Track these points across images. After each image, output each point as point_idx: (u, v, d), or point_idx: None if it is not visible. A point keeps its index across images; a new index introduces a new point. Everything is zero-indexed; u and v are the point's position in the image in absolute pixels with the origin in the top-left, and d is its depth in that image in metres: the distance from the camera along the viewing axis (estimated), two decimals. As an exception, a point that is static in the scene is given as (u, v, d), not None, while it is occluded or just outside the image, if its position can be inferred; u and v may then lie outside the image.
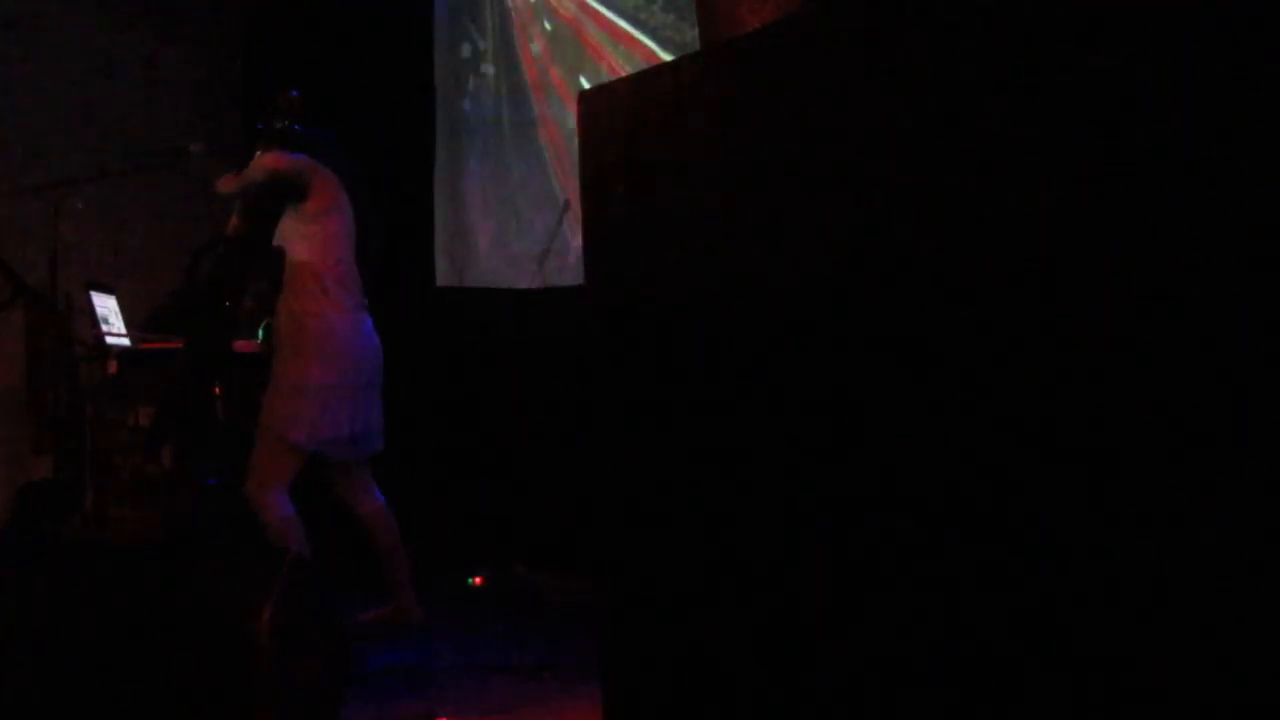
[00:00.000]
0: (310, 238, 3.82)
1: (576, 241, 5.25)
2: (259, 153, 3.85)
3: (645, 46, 5.39)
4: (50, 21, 5.88)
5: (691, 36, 5.18)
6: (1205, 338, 1.07)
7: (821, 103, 1.42)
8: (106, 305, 4.96)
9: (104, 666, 2.54)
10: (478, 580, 4.97)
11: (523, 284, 5.49)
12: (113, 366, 4.75)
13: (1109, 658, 1.13)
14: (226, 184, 3.87)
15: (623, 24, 5.47)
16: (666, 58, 5.18)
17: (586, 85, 5.40)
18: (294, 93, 3.89)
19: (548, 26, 5.79)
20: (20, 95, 5.73)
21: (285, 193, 3.82)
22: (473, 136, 6.02)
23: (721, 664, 1.52)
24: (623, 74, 5.19)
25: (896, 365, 1.32)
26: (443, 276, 5.97)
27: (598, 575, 1.79)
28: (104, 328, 4.82)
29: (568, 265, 5.37)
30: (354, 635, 3.78)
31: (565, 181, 5.57)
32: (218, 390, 4.14)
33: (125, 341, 4.94)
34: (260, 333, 4.41)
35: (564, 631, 4.04)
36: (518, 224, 5.80)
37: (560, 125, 5.65)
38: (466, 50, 6.05)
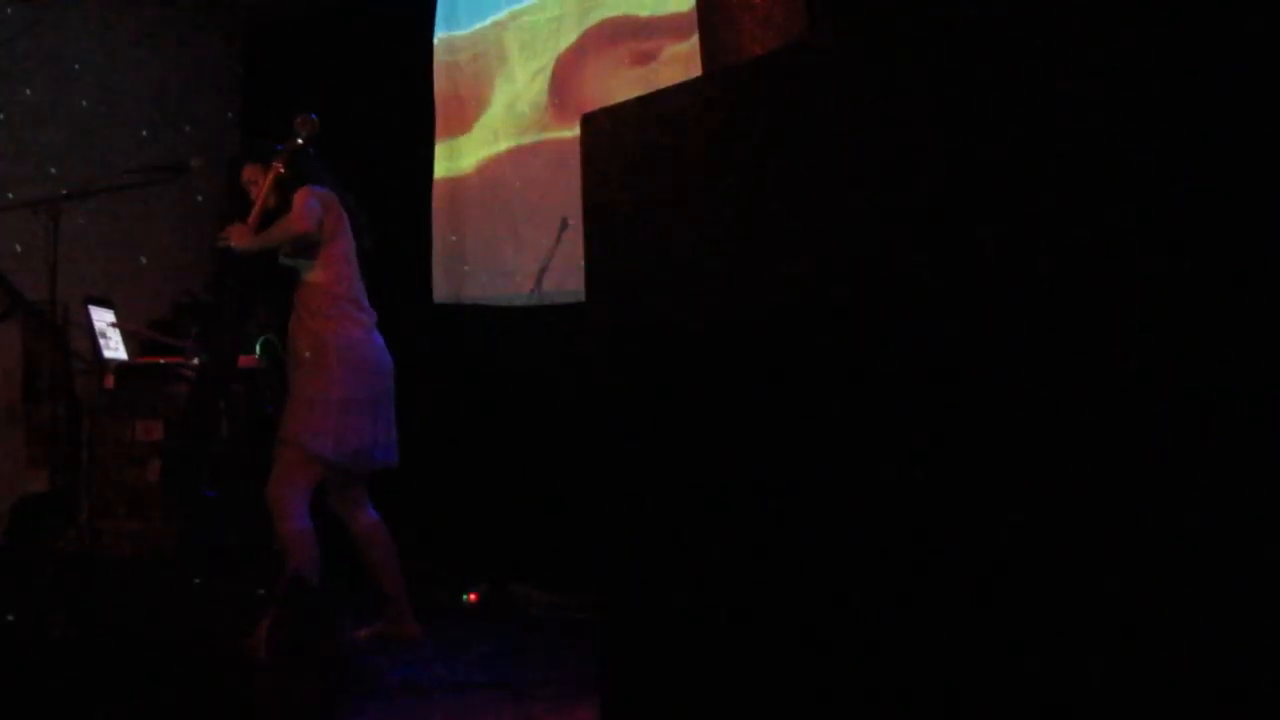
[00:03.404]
0: (321, 261, 3.89)
1: (574, 258, 5.26)
2: (276, 168, 3.86)
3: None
4: (51, 36, 5.90)
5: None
6: (1203, 344, 1.09)
7: (823, 129, 1.44)
8: (104, 319, 4.96)
9: (101, 681, 2.54)
10: (472, 597, 4.97)
11: (519, 301, 5.51)
12: (110, 380, 4.76)
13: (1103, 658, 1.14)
14: (240, 238, 3.84)
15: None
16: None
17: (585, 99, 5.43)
18: (313, 115, 3.91)
19: (550, 43, 5.81)
20: (20, 109, 5.75)
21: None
22: (471, 152, 6.04)
23: (720, 682, 1.53)
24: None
25: (895, 381, 1.34)
26: (440, 292, 5.99)
27: (593, 592, 1.80)
28: (101, 341, 4.82)
29: (565, 282, 5.38)
30: (351, 651, 3.78)
31: (563, 198, 5.58)
32: (222, 405, 4.19)
33: (122, 355, 4.94)
34: (259, 348, 4.44)
35: (559, 648, 4.04)
36: (515, 240, 5.82)
37: (559, 142, 5.67)
38: (465, 62, 6.07)
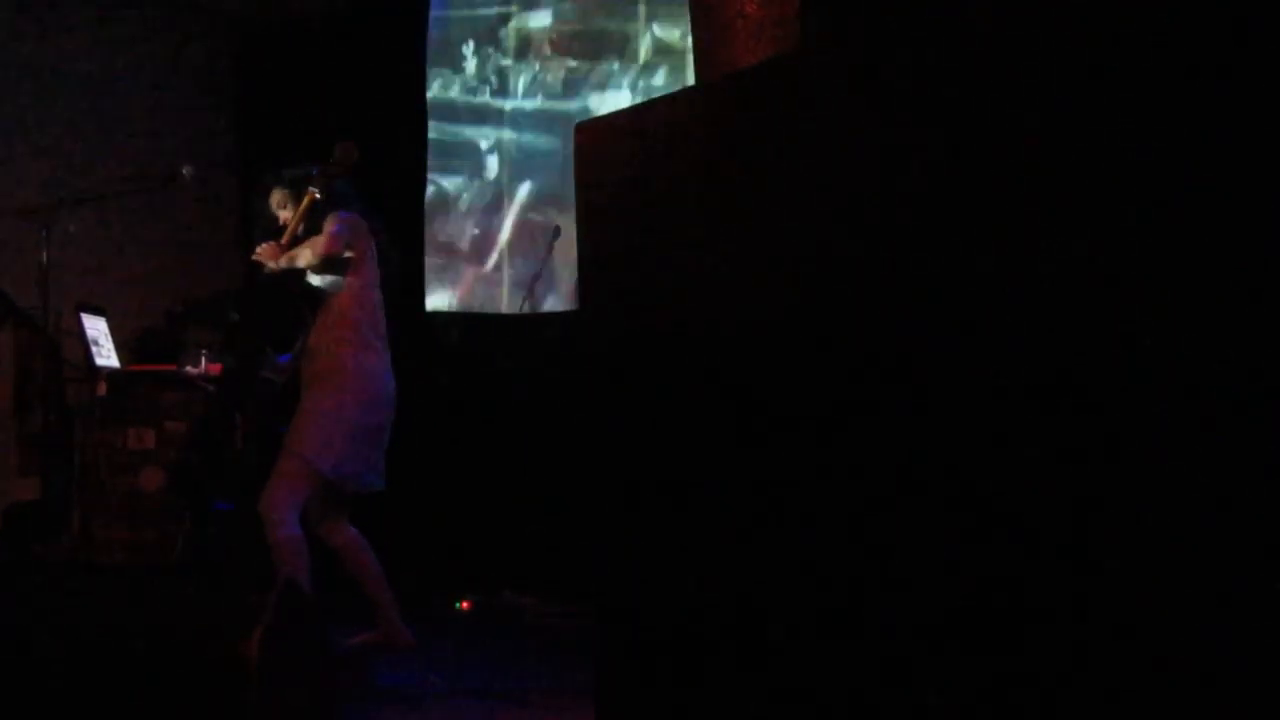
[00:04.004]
0: (348, 284, 3.97)
1: (565, 268, 5.28)
2: (314, 193, 3.90)
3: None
4: (43, 45, 5.90)
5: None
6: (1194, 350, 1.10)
7: (816, 140, 1.45)
8: (96, 327, 4.96)
9: (93, 688, 2.53)
10: (465, 604, 4.97)
11: (512, 309, 5.52)
12: (102, 388, 4.76)
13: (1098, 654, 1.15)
14: (271, 256, 3.94)
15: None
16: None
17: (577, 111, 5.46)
18: (353, 144, 3.94)
19: (544, 52, 5.83)
20: (12, 115, 5.74)
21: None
22: (464, 161, 6.05)
23: (716, 689, 1.53)
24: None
25: (891, 387, 1.35)
26: (432, 301, 6.00)
27: (588, 598, 1.81)
28: (94, 349, 4.82)
29: (557, 291, 5.40)
30: (344, 659, 3.79)
31: (555, 208, 5.60)
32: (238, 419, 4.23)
33: (114, 363, 4.94)
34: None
35: (551, 655, 4.05)
36: (507, 249, 5.83)
37: (550, 151, 5.69)
38: (459, 75, 6.09)
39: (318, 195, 3.90)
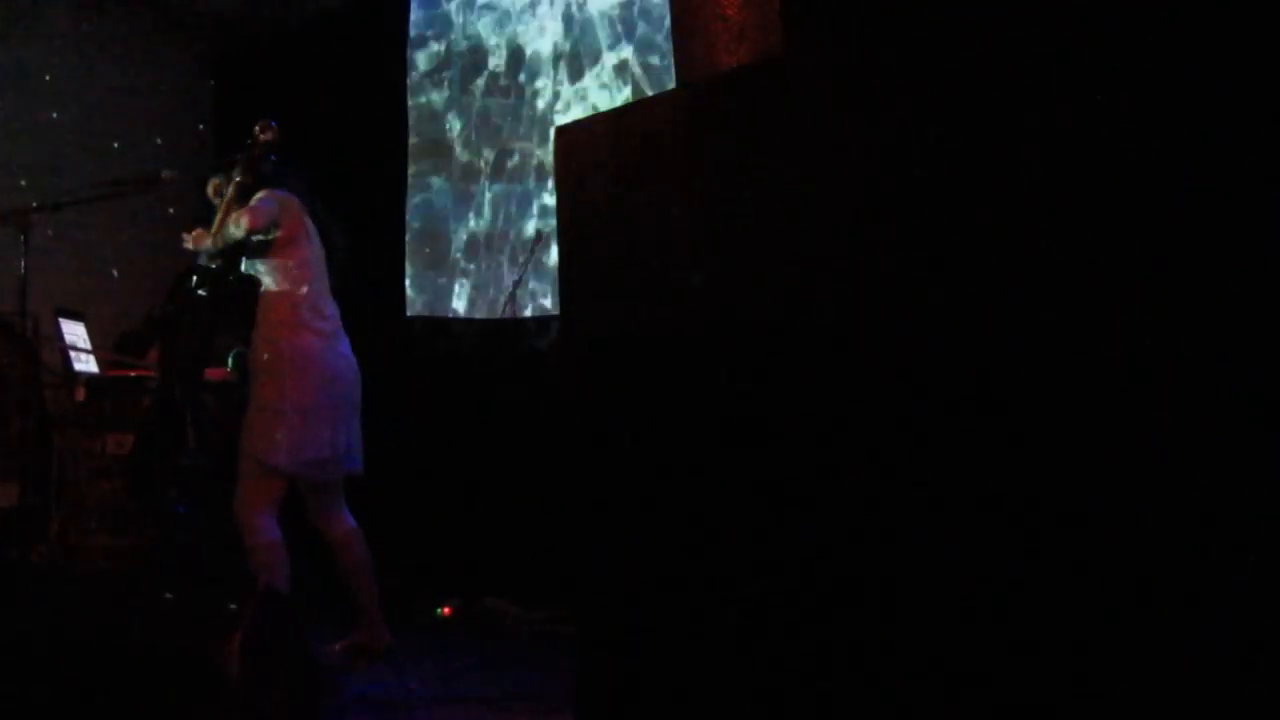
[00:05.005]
0: (280, 266, 3.89)
1: (547, 272, 5.27)
2: (235, 176, 3.87)
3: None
4: (21, 49, 5.86)
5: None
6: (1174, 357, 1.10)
7: (796, 141, 1.45)
8: (75, 331, 4.92)
9: (72, 697, 2.51)
10: (446, 610, 4.95)
11: (494, 315, 5.51)
12: (80, 393, 4.72)
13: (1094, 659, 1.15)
14: (200, 240, 3.91)
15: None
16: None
17: (561, 115, 5.45)
18: (272, 122, 3.91)
19: (526, 56, 5.83)
20: (-11, 121, 5.71)
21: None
22: (445, 165, 6.04)
23: (696, 696, 1.53)
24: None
25: (869, 394, 1.35)
26: (413, 306, 5.98)
27: (569, 605, 1.80)
28: (72, 355, 4.78)
29: (538, 296, 5.40)
30: (325, 664, 3.76)
31: (537, 213, 5.60)
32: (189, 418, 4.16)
33: (93, 368, 4.90)
34: (230, 360, 4.42)
35: (533, 662, 4.03)
36: (489, 254, 5.82)
37: (533, 156, 5.68)
38: (440, 80, 6.08)
39: (238, 178, 3.87)
